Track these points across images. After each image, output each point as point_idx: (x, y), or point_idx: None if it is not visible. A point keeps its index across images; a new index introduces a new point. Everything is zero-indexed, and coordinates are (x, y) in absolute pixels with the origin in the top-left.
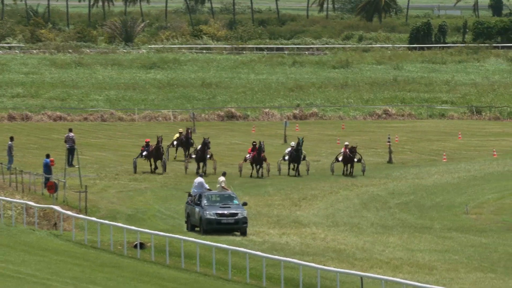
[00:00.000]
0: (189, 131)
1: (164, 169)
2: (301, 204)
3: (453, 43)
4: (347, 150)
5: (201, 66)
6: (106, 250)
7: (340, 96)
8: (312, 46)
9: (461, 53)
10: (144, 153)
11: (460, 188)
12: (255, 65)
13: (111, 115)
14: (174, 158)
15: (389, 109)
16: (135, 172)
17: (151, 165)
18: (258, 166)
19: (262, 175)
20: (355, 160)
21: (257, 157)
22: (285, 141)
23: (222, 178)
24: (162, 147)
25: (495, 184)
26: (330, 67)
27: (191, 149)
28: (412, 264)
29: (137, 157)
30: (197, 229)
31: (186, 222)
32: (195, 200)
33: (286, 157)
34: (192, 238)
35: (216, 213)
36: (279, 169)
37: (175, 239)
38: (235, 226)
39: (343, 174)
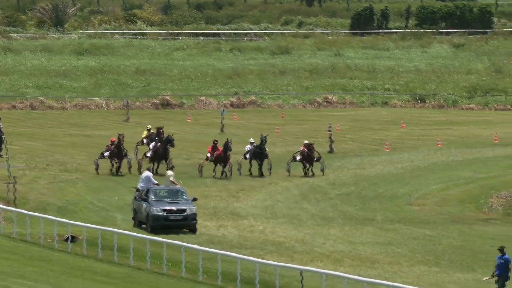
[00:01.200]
0: (161, 130)
1: (129, 169)
2: (239, 195)
3: (396, 28)
4: (305, 148)
5: (135, 52)
6: (36, 243)
7: (279, 83)
8: (250, 31)
9: (405, 39)
10: (107, 153)
11: (403, 178)
12: (191, 51)
13: (41, 103)
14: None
15: (330, 97)
16: (97, 173)
17: (112, 165)
18: (222, 166)
19: (226, 175)
20: (314, 159)
21: (223, 156)
22: (222, 130)
23: (170, 173)
24: (123, 146)
25: (439, 175)
26: (269, 54)
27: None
28: (354, 257)
29: (99, 158)
30: (144, 226)
31: (133, 218)
32: (142, 196)
33: (247, 155)
34: (125, 231)
35: (164, 209)
36: (239, 169)
37: (107, 231)
38: (183, 223)
39: (304, 174)
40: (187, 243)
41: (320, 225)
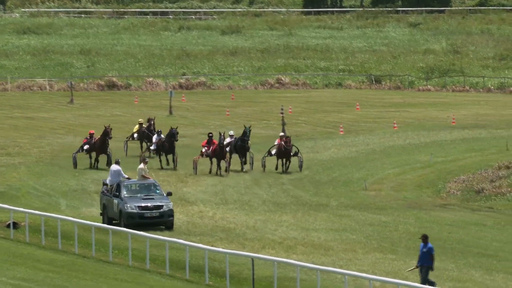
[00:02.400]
0: (152, 122)
1: (109, 164)
2: (188, 180)
3: (351, 7)
4: (282, 142)
5: (80, 31)
6: None
7: (229, 64)
8: (199, 10)
9: (360, 18)
10: (86, 146)
11: (358, 162)
12: (138, 31)
13: None
14: (141, 155)
15: (282, 78)
16: (75, 167)
17: (90, 159)
18: (218, 162)
19: (221, 173)
20: (291, 153)
21: (219, 151)
22: (171, 112)
23: (142, 166)
24: (108, 140)
25: (395, 159)
26: (219, 33)
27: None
28: (307, 244)
29: (77, 151)
30: (115, 222)
31: (101, 214)
32: (113, 191)
33: (227, 148)
34: (69, 217)
35: (139, 206)
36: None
37: (51, 218)
38: (160, 220)
39: (276, 169)
40: (134, 229)
41: (272, 211)
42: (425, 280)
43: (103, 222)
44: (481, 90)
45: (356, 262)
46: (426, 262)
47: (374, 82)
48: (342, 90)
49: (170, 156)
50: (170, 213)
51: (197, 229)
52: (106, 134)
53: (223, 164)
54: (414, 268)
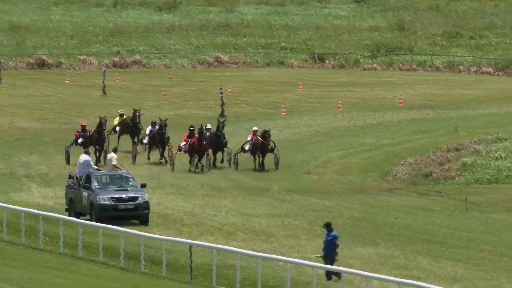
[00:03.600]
0: (137, 113)
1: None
2: (122, 163)
3: None
4: (259, 137)
5: (8, 7)
6: None
7: (166, 42)
8: None
9: None
10: (80, 140)
11: (301, 145)
12: (69, 6)
13: None
14: (133, 149)
15: (222, 56)
16: (68, 163)
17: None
18: (198, 158)
19: (203, 169)
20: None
21: (198, 146)
22: (104, 92)
23: (112, 155)
24: (105, 132)
25: (339, 141)
26: (155, 9)
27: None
28: (247, 230)
29: (70, 145)
30: (83, 217)
31: (67, 209)
32: (82, 183)
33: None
34: None
35: (112, 198)
36: (192, 161)
37: None
38: (135, 213)
39: (258, 167)
40: (65, 215)
41: (210, 196)
42: (329, 270)
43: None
44: (429, 69)
45: (299, 249)
46: (330, 251)
47: (317, 60)
48: (284, 69)
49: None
50: (146, 206)
51: None
52: (101, 125)
53: (203, 160)
54: (320, 256)
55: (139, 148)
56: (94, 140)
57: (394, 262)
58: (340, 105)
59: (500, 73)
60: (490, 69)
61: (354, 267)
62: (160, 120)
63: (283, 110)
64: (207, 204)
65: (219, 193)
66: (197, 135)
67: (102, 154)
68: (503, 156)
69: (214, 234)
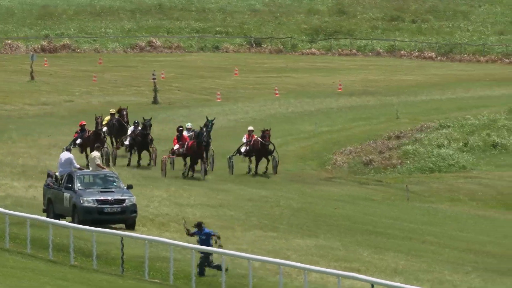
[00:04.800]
0: (124, 112)
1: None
2: (51, 152)
3: None
4: (258, 137)
5: None
6: None
7: (96, 25)
8: None
9: None
10: (78, 140)
11: (237, 132)
12: None
13: None
14: (113, 151)
15: (154, 41)
16: None
17: (87, 158)
18: (194, 162)
19: (206, 172)
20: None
21: (197, 148)
22: (32, 78)
23: (96, 154)
24: (104, 132)
25: (277, 128)
26: None
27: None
28: (181, 221)
29: (68, 146)
30: (63, 219)
31: (45, 210)
32: (63, 183)
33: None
34: None
35: (97, 200)
36: (171, 162)
37: None
38: (122, 216)
39: (253, 172)
40: None
41: (142, 185)
42: (210, 265)
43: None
44: (370, 53)
45: (235, 241)
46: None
47: (254, 45)
48: (219, 53)
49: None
50: (133, 209)
51: None
52: (98, 126)
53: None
54: (191, 234)
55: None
56: (92, 142)
57: (334, 254)
58: (277, 92)
59: (443, 58)
60: (432, 54)
61: (292, 259)
62: (144, 119)
63: (218, 96)
64: (139, 194)
65: (151, 183)
66: (187, 137)
67: (103, 158)
68: (445, 144)
69: (147, 225)
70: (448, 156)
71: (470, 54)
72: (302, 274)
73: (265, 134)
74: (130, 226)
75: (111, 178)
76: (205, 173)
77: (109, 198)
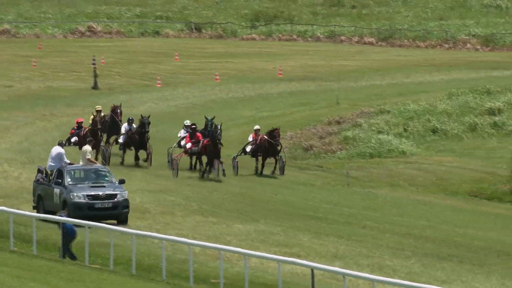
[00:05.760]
0: (118, 110)
1: (107, 162)
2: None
3: None
4: (266, 136)
5: None
6: None
7: (35, 10)
8: None
9: None
10: (74, 138)
11: (177, 118)
12: None
13: None
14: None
15: (94, 26)
16: None
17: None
18: (215, 162)
19: (224, 174)
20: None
21: (213, 147)
22: None
23: (87, 148)
24: (101, 130)
25: (217, 113)
26: None
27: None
28: None
29: (61, 141)
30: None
31: (35, 207)
32: (53, 178)
33: (183, 142)
34: None
35: (88, 195)
36: (169, 160)
37: None
38: (113, 212)
39: (259, 172)
40: None
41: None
42: (68, 253)
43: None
44: (310, 39)
45: (175, 226)
46: (70, 236)
47: (194, 30)
48: (160, 39)
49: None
50: (126, 204)
51: (1, 190)
52: (95, 124)
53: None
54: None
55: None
56: (89, 139)
57: (274, 239)
58: (217, 77)
59: (383, 43)
60: (372, 39)
61: (232, 244)
62: (142, 117)
63: (159, 82)
64: None
65: None
66: (200, 135)
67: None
68: (385, 129)
69: None
70: (388, 141)
71: (410, 40)
72: (242, 260)
73: (275, 133)
74: (123, 222)
75: (102, 173)
76: (224, 174)
77: (100, 193)
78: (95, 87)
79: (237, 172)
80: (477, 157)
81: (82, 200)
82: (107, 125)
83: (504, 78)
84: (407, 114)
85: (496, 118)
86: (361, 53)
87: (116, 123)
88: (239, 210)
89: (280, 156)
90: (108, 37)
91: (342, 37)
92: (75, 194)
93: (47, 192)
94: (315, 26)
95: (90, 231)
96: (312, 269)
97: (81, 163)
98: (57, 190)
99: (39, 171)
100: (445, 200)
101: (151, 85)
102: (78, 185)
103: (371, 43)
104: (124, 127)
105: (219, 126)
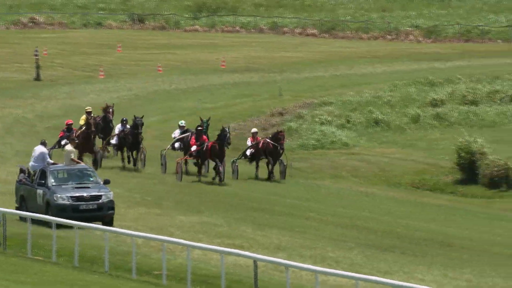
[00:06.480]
0: (110, 109)
1: (99, 165)
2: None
3: None
4: (269, 139)
5: None
6: None
7: None
8: None
9: None
10: (64, 141)
11: (120, 108)
12: None
13: None
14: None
15: (37, 17)
16: None
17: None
18: (219, 166)
19: (221, 179)
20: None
21: (219, 150)
22: None
23: (69, 148)
24: (94, 133)
25: (160, 105)
26: None
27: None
28: None
29: (52, 148)
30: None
31: (17, 208)
32: (36, 179)
33: (177, 145)
34: None
35: (71, 197)
36: (163, 163)
37: None
38: (98, 214)
39: (268, 177)
40: None
41: (26, 162)
42: None
43: (21, 219)
44: (253, 30)
45: (118, 217)
46: None
47: (137, 21)
48: (102, 30)
49: (134, 153)
50: (111, 205)
51: None
52: (89, 127)
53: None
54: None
55: (110, 150)
56: (81, 143)
57: (217, 230)
58: (160, 68)
59: (325, 35)
60: (315, 31)
61: (175, 236)
62: (135, 117)
63: (101, 73)
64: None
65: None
66: (205, 138)
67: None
68: (328, 120)
69: None
70: (330, 133)
71: (353, 31)
72: (185, 251)
73: (279, 136)
74: (108, 223)
75: (87, 173)
76: (221, 178)
77: (85, 194)
78: (37, 78)
79: (237, 176)
80: (419, 148)
81: (66, 202)
82: (99, 126)
83: (446, 70)
84: (350, 106)
85: (439, 110)
86: (304, 44)
87: (108, 124)
88: (183, 201)
89: (281, 159)
90: (51, 28)
91: (285, 29)
92: (58, 195)
93: (30, 193)
94: (258, 18)
95: (33, 222)
96: (255, 260)
97: (64, 163)
98: (40, 191)
99: (22, 171)
100: (388, 192)
101: (93, 77)
102: (62, 186)
103: (314, 35)
104: (117, 128)
105: (227, 129)
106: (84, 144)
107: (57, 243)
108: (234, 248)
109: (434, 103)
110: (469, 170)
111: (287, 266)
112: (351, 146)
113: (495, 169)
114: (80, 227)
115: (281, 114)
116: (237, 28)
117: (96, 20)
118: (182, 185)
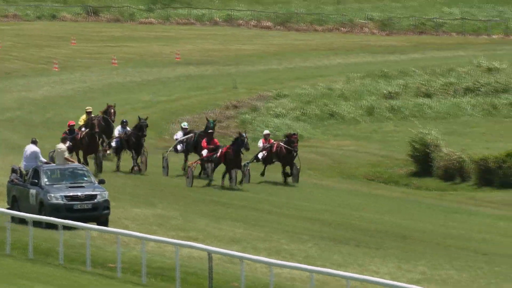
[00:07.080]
0: (112, 109)
1: (100, 169)
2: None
3: None
4: (283, 143)
5: None
6: None
7: None
8: None
9: None
10: (68, 143)
11: (75, 101)
12: None
13: None
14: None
15: None
16: None
17: (79, 161)
18: (232, 171)
19: (240, 182)
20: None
21: (234, 157)
22: None
23: (62, 146)
24: (98, 135)
25: (115, 97)
26: None
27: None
28: None
29: (54, 150)
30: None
31: (9, 209)
32: (29, 178)
33: (179, 147)
34: None
35: (66, 196)
36: (165, 166)
37: None
38: (93, 214)
39: (282, 181)
40: None
41: None
42: None
43: (13, 219)
44: (208, 23)
45: None
46: None
47: (91, 14)
48: (57, 22)
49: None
50: (106, 205)
51: None
52: (93, 128)
53: (238, 174)
54: None
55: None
56: (85, 145)
57: (172, 223)
58: (115, 61)
59: (280, 27)
60: (270, 23)
61: (130, 228)
62: (140, 119)
63: (56, 65)
64: None
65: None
66: (217, 141)
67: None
68: (283, 113)
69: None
70: (285, 125)
71: (307, 24)
72: (140, 244)
73: (292, 139)
74: (103, 224)
75: (81, 172)
76: (236, 182)
77: (79, 194)
78: None
79: (249, 180)
80: (374, 141)
81: (59, 201)
82: (101, 128)
83: (400, 62)
84: (305, 98)
85: (393, 102)
86: (258, 37)
87: (110, 125)
88: (137, 194)
89: (294, 163)
90: (5, 20)
91: (240, 21)
92: (52, 195)
93: (22, 193)
94: (212, 10)
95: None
96: (210, 253)
97: (57, 162)
98: (33, 191)
99: (14, 170)
100: (342, 184)
101: (48, 69)
102: (56, 186)
103: (268, 27)
104: (117, 130)
105: (244, 134)
106: (90, 145)
107: (12, 236)
108: (189, 241)
109: (389, 96)
110: (423, 162)
111: (241, 259)
112: (306, 139)
113: (449, 161)
114: (34, 220)
115: (235, 106)
116: (192, 20)
117: (50, 12)
118: (136, 177)
